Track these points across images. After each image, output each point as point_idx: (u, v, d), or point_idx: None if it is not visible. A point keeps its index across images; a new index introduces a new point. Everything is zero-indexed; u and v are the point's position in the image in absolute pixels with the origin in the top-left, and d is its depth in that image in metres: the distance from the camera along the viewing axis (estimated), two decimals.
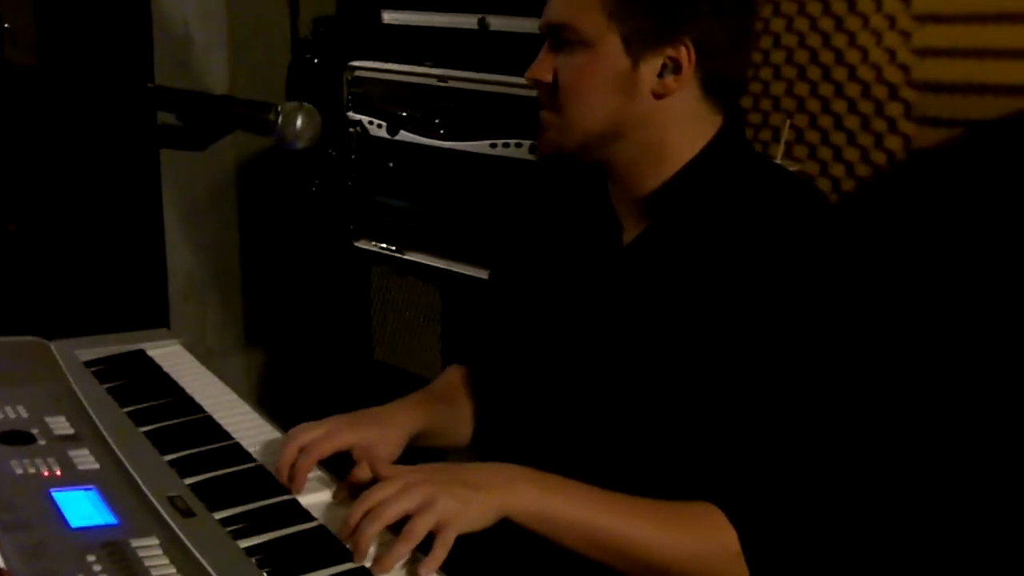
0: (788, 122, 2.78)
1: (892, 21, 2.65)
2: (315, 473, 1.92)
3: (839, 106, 2.79)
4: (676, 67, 1.87)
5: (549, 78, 1.93)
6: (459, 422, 2.22)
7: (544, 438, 2.02)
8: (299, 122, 2.07)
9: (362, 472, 1.85)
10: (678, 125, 1.92)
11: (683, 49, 1.85)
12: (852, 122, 2.76)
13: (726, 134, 1.96)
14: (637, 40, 1.85)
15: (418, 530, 1.63)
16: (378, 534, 1.64)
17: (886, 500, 1.90)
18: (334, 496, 1.87)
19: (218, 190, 4.04)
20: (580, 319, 2.01)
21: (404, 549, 1.62)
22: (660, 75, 1.87)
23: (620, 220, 2.00)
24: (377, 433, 1.99)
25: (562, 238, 2.11)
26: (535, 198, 2.23)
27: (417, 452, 2.10)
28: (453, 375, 2.29)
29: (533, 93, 2.00)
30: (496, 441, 2.17)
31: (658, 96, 1.89)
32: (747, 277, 1.81)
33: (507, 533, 1.73)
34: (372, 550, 1.65)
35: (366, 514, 1.66)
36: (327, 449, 1.92)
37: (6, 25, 5.27)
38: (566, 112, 1.92)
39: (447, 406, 2.20)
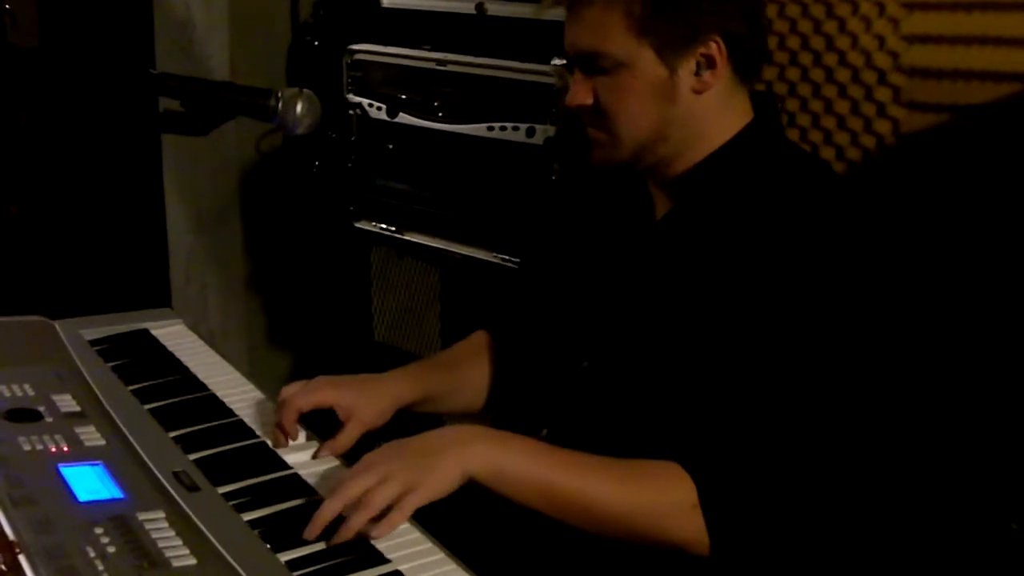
0: (780, 106, 2.82)
1: (881, 8, 2.67)
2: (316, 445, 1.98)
3: (829, 91, 2.81)
4: (710, 63, 1.92)
5: (591, 101, 1.96)
6: (464, 388, 2.26)
7: (564, 405, 2.06)
8: (299, 108, 2.10)
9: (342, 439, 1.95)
10: (715, 114, 1.98)
11: (713, 45, 1.90)
12: (842, 106, 2.79)
13: (760, 120, 2.02)
14: (669, 48, 1.90)
15: (376, 501, 1.67)
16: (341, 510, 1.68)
17: (863, 487, 1.92)
18: (314, 456, 1.95)
19: (219, 171, 4.06)
20: (611, 292, 2.05)
21: (360, 519, 1.66)
22: (696, 73, 1.92)
23: (653, 198, 2.06)
24: (360, 397, 2.05)
25: (597, 215, 2.17)
26: (572, 178, 2.27)
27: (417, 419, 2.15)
28: (474, 340, 2.33)
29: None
30: (512, 406, 2.21)
31: (697, 93, 1.94)
32: (767, 258, 1.85)
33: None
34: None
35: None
36: (305, 404, 2.00)
37: (7, 6, 5.28)
38: (615, 130, 1.96)
39: (448, 373, 2.25)
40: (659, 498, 1.78)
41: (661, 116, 1.94)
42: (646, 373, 1.94)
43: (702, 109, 1.96)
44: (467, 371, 2.27)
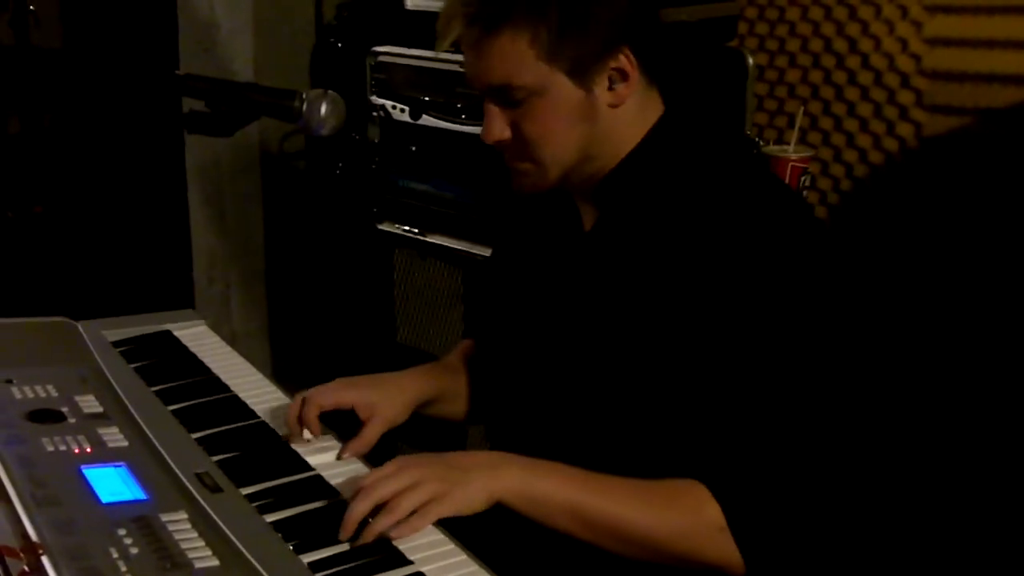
0: (802, 108, 2.80)
1: (904, 11, 2.67)
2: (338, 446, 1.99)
3: (852, 94, 2.81)
4: (623, 75, 1.88)
5: (509, 134, 1.92)
6: (461, 394, 2.27)
7: (532, 414, 2.06)
8: (324, 109, 2.11)
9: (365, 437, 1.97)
10: (633, 120, 1.95)
11: (622, 58, 1.86)
12: (865, 109, 2.79)
13: (668, 117, 1.97)
14: (581, 69, 1.85)
15: (402, 506, 1.68)
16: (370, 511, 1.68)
17: (866, 477, 1.91)
18: (338, 456, 1.96)
19: (242, 173, 4.07)
20: (553, 305, 2.04)
21: (385, 522, 1.67)
22: (611, 88, 1.88)
23: (579, 208, 2.03)
24: (380, 395, 2.06)
25: (535, 228, 2.15)
26: (505, 194, 2.24)
27: (429, 428, 2.15)
28: (462, 348, 2.34)
29: None
30: (496, 417, 2.21)
31: (614, 107, 1.90)
32: (696, 256, 1.82)
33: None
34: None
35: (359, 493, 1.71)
36: (327, 402, 2.01)
37: (31, 7, 5.30)
38: (540, 158, 1.92)
39: (454, 376, 2.25)
40: (688, 521, 1.77)
41: (583, 136, 1.90)
42: (606, 384, 1.93)
43: (622, 120, 1.93)
44: (462, 378, 2.28)
